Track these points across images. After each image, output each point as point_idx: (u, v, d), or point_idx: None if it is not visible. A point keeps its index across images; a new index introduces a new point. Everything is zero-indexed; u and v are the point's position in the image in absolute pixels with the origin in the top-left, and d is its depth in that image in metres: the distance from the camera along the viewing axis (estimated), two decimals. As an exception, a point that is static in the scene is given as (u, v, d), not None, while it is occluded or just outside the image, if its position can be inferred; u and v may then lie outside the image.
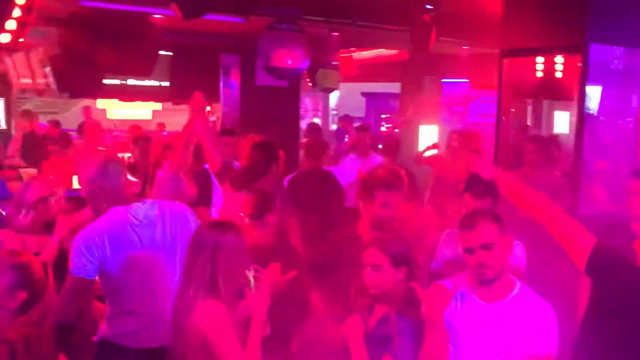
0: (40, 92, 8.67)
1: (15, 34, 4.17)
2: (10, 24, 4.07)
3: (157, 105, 9.12)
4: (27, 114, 9.30)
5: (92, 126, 9.52)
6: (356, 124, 10.15)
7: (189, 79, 7.60)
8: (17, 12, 4.06)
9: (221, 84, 8.00)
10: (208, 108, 7.23)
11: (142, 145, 5.51)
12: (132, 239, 2.78)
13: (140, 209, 2.85)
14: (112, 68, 6.34)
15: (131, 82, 7.28)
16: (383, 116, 12.81)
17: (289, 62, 5.86)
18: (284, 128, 7.66)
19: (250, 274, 2.38)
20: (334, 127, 12.15)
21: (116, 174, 2.90)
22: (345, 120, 11.41)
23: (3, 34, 4.06)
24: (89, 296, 3.00)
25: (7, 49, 4.39)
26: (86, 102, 11.16)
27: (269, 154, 3.94)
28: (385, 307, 2.40)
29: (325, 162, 4.89)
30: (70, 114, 14.42)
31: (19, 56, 8.09)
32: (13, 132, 10.23)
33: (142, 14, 5.46)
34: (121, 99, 7.89)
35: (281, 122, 7.61)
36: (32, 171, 7.21)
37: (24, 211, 3.13)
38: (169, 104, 9.32)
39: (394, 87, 10.13)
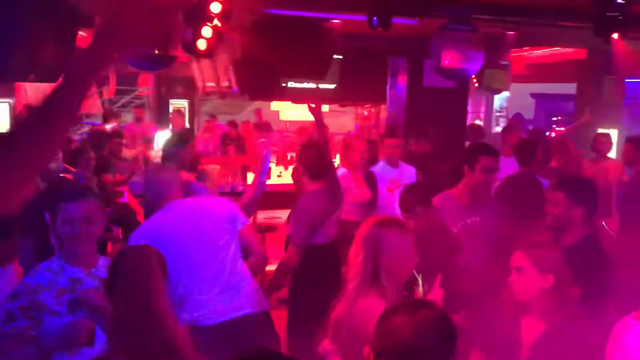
0: (222, 95, 9.45)
1: (210, 41, 4.60)
2: (206, 32, 4.49)
3: (325, 107, 9.49)
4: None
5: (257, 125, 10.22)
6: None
7: (357, 82, 7.85)
8: (212, 21, 4.46)
9: (388, 86, 8.15)
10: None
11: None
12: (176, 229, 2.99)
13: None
14: (289, 71, 6.72)
15: (304, 84, 7.67)
16: (554, 119, 12.11)
17: (462, 62, 5.80)
18: (450, 130, 7.61)
19: (418, 276, 2.33)
20: (497, 129, 11.76)
21: None
22: (516, 119, 10.87)
23: (200, 41, 4.49)
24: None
25: (201, 56, 4.83)
26: (257, 104, 11.93)
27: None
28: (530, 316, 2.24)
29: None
30: (243, 115, 15.48)
31: (205, 62, 8.89)
32: (196, 131, 11.21)
33: (320, 19, 5.73)
34: (294, 101, 8.32)
35: (446, 124, 7.57)
36: (214, 167, 7.88)
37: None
38: (335, 106, 9.68)
39: (568, 88, 9.59)
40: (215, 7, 4.33)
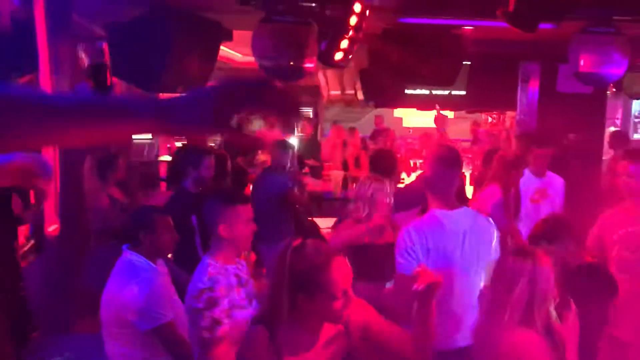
0: (347, 103, 9.61)
1: (346, 51, 4.70)
2: (343, 43, 4.60)
3: (450, 114, 9.35)
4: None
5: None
6: None
7: (486, 88, 7.64)
8: (349, 32, 4.56)
9: (518, 92, 7.86)
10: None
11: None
12: (443, 244, 2.94)
13: (454, 216, 2.98)
14: (417, 79, 6.69)
15: (430, 91, 7.62)
16: None
17: (603, 67, 5.48)
18: (586, 137, 7.21)
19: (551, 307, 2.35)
20: (636, 136, 10.99)
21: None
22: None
23: (338, 53, 4.60)
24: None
25: (336, 66, 4.95)
26: (377, 110, 11.99)
27: None
28: None
29: None
30: (363, 122, 15.61)
31: (331, 70, 9.08)
32: (319, 137, 11.47)
33: (450, 25, 5.66)
34: (419, 108, 8.28)
35: (582, 131, 7.18)
36: (339, 173, 8.03)
37: (361, 205, 3.59)
38: (461, 112, 9.50)
39: None
40: (353, 20, 4.43)
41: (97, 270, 3.85)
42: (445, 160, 3.05)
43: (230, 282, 2.63)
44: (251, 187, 6.10)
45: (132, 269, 3.10)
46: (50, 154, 4.23)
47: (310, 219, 6.28)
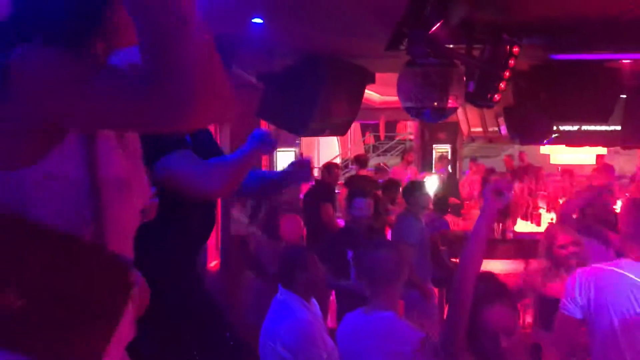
0: (490, 140, 9.39)
1: (495, 91, 4.63)
2: (493, 83, 4.53)
3: (602, 150, 8.78)
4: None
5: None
6: None
7: (644, 122, 7.10)
8: (498, 72, 4.49)
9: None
10: None
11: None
12: (626, 296, 2.73)
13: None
14: (567, 115, 6.40)
15: (581, 127, 7.24)
16: None
17: None
18: None
19: None
20: None
21: None
22: None
23: (487, 93, 4.55)
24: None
25: (485, 106, 4.88)
26: (517, 146, 11.54)
27: None
28: None
29: None
30: (501, 158, 15.11)
31: (472, 107, 8.94)
32: (458, 175, 11.27)
33: (607, 60, 5.39)
34: (568, 145, 7.88)
35: None
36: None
37: None
38: (616, 148, 8.90)
39: None
40: (504, 60, 4.37)
41: (253, 304, 4.06)
42: None
43: None
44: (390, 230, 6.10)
45: (287, 309, 3.22)
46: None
47: (453, 260, 6.15)
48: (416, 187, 5.59)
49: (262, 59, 4.78)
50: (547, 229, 4.07)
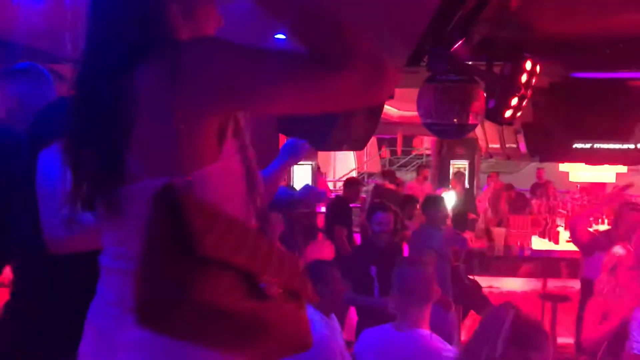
0: (508, 156, 9.35)
1: (516, 109, 4.62)
2: (513, 101, 4.53)
3: (623, 168, 8.70)
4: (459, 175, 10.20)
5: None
6: None
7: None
8: (520, 91, 4.49)
9: None
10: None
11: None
12: None
13: None
14: (587, 133, 6.37)
15: (601, 145, 7.19)
16: None
17: None
18: None
19: None
20: None
21: None
22: None
23: (507, 110, 4.54)
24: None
25: (505, 123, 4.87)
26: (535, 163, 11.48)
27: None
28: None
29: None
30: (520, 174, 15.03)
31: (491, 124, 8.92)
32: (475, 191, 11.22)
33: (630, 79, 5.37)
34: (588, 163, 7.82)
35: None
36: (501, 229, 7.76)
37: None
38: (637, 167, 8.83)
39: None
40: (524, 78, 4.37)
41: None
42: None
43: None
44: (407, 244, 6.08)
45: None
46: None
47: (471, 277, 6.12)
48: (434, 200, 5.58)
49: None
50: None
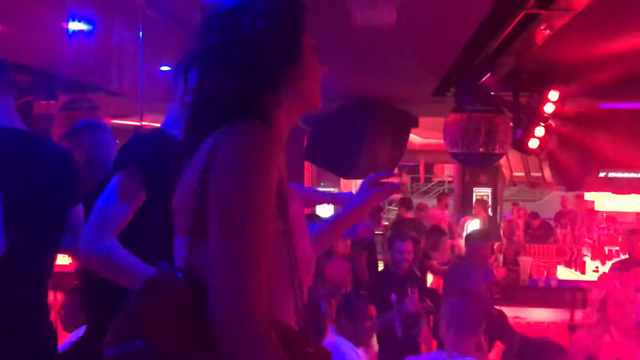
0: (532, 185, 9.32)
1: (542, 139, 4.64)
2: (539, 131, 4.55)
3: (648, 196, 8.64)
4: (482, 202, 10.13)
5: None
6: None
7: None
8: (546, 121, 4.51)
9: None
10: None
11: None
12: None
13: None
14: (614, 161, 6.35)
15: (626, 174, 7.16)
16: None
17: None
18: None
19: None
20: None
21: None
22: None
23: (532, 140, 4.57)
24: None
25: (532, 154, 4.89)
26: (559, 192, 11.40)
27: None
28: None
29: None
30: (543, 202, 14.89)
31: (515, 152, 8.91)
32: (498, 219, 11.15)
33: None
34: (614, 192, 7.77)
35: None
36: (527, 259, 7.71)
37: None
38: (663, 196, 8.73)
39: None
40: (549, 108, 4.40)
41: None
42: None
43: None
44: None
45: (336, 351, 3.25)
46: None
47: (497, 308, 6.05)
48: (480, 235, 5.47)
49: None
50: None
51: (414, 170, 14.92)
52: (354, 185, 14.35)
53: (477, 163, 5.10)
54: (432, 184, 16.72)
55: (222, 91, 1.09)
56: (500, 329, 5.74)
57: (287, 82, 1.12)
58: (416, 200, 14.78)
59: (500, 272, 7.42)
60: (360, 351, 3.36)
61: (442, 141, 6.42)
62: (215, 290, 0.99)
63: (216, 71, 1.11)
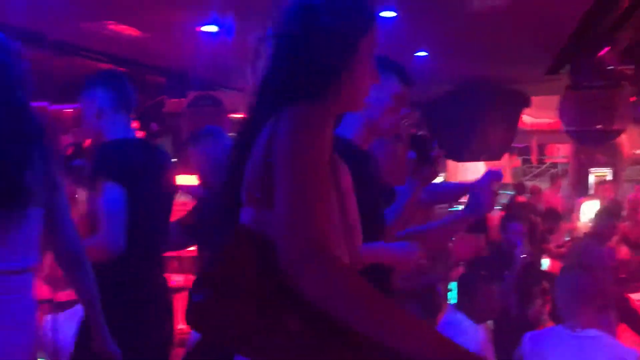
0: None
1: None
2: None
3: None
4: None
5: None
6: None
7: None
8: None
9: None
10: None
11: None
12: None
13: None
14: None
15: None
16: None
17: None
18: None
19: None
20: None
21: None
22: None
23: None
24: None
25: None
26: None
27: None
28: None
29: None
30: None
31: (635, 128, 8.42)
32: (620, 200, 10.57)
33: None
34: None
35: None
36: None
37: None
38: None
39: None
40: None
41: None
42: None
43: None
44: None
45: (457, 327, 3.34)
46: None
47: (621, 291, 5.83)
48: (605, 213, 5.35)
49: (424, 88, 4.98)
50: None
51: (524, 151, 14.40)
52: (462, 171, 14.11)
53: (595, 140, 4.96)
54: (546, 165, 16.05)
55: (289, 77, 1.18)
56: (623, 311, 5.55)
57: (341, 81, 1.20)
58: (529, 183, 14.31)
59: (623, 253, 7.10)
60: (481, 328, 3.42)
61: (554, 121, 6.24)
62: (283, 225, 1.02)
63: (286, 57, 1.19)
